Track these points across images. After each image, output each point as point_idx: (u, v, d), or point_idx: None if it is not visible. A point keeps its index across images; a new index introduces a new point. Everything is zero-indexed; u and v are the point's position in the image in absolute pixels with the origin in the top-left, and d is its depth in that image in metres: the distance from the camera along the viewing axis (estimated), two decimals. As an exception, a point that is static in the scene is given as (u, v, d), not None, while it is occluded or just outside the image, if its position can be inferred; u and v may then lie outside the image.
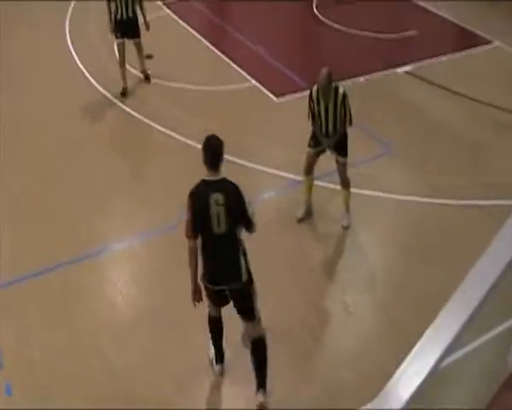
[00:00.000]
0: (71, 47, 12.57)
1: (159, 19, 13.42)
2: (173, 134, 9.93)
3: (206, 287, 5.79)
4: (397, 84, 11.79)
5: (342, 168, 8.23)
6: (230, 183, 5.53)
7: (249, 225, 5.59)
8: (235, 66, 11.98)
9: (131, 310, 7.17)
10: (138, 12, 10.74)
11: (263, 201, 8.76)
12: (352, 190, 8.41)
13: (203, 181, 5.53)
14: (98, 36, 12.77)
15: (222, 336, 6.22)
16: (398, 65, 12.27)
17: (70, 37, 13.00)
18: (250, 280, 5.72)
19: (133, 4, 10.56)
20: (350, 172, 8.29)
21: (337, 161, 8.21)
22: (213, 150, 5.49)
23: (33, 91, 11.19)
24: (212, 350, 6.37)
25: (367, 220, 8.49)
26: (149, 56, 11.86)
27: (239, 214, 5.51)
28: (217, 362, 6.35)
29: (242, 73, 11.75)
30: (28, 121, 10.32)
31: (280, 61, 12.16)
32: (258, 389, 5.90)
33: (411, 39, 13.47)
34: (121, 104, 10.70)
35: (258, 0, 14.92)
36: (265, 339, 5.89)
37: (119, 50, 10.92)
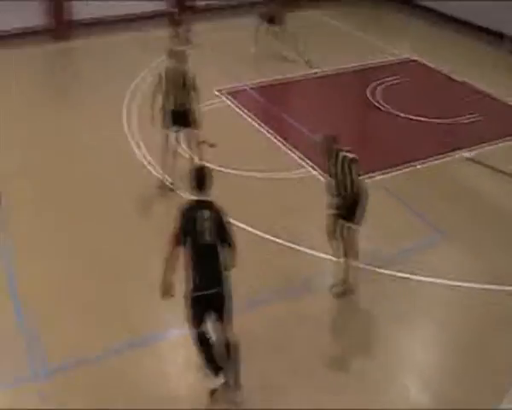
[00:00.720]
0: (127, 130, 13.09)
1: (217, 108, 13.97)
2: (233, 221, 10.14)
3: (192, 302, 6.66)
4: (454, 170, 11.90)
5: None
6: (215, 203, 6.75)
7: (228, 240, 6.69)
8: (290, 152, 12.30)
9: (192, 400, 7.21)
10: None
11: (316, 285, 8.96)
12: (406, 275, 8.45)
13: (192, 200, 6.78)
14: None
15: (212, 351, 6.90)
16: (456, 150, 12.41)
17: (127, 119, 13.54)
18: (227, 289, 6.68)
19: (188, 94, 10.81)
20: (404, 258, 8.36)
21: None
22: (200, 177, 6.78)
23: (89, 173, 11.70)
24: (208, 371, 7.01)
25: (421, 308, 8.49)
26: (212, 145, 12.19)
27: (224, 229, 6.66)
28: (216, 375, 6.99)
29: (297, 159, 12.05)
30: (82, 205, 10.74)
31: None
32: (235, 389, 6.92)
33: (471, 124, 13.62)
34: (180, 192, 11.02)
35: (314, 88, 15.40)
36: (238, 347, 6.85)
37: (168, 141, 11.15)
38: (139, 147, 12.46)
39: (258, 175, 11.52)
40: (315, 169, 11.60)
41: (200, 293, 6.60)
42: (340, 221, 8.50)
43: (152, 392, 7.21)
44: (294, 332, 8.10)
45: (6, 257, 9.40)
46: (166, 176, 11.17)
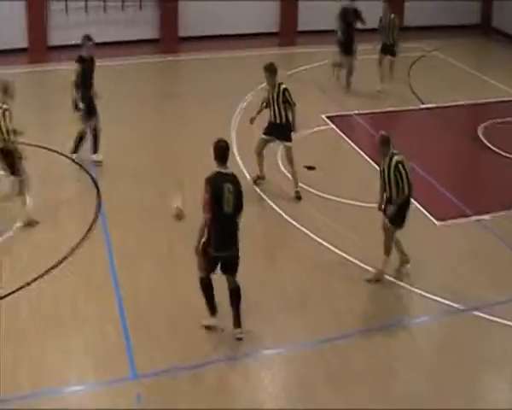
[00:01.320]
0: (235, 151, 13.39)
1: (322, 132, 14.14)
2: (329, 246, 10.36)
3: (206, 253, 8.02)
4: None
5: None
6: (236, 177, 8.07)
7: (241, 210, 8.07)
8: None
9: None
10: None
11: (415, 325, 8.99)
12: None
13: (218, 172, 7.93)
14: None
15: (213, 293, 8.32)
16: None
17: (236, 140, 13.86)
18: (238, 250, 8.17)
19: (286, 110, 11.65)
20: (509, 307, 8.30)
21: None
22: (222, 148, 7.96)
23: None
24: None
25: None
26: (311, 168, 12.52)
27: (240, 201, 7.98)
28: (212, 314, 8.44)
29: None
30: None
31: (443, 185, 12.42)
32: (238, 326, 8.35)
33: None
34: (281, 212, 11.28)
35: (423, 121, 15.45)
36: (240, 289, 8.26)
37: (259, 144, 12.04)
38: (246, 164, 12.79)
39: (358, 204, 11.63)
40: (422, 206, 11.63)
41: (217, 254, 8.04)
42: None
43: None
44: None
45: (110, 260, 9.86)
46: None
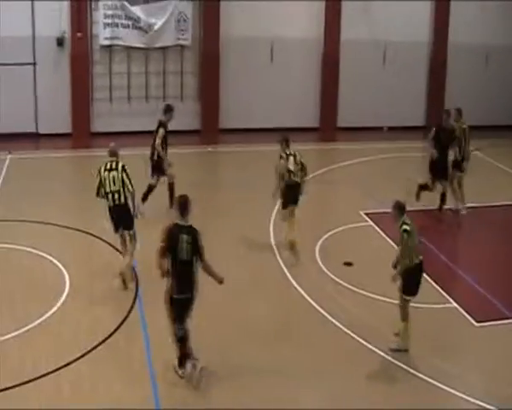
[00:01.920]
0: (274, 247, 13.69)
1: (361, 228, 14.39)
2: (366, 344, 10.45)
3: (171, 301, 9.24)
4: None
5: None
6: (193, 228, 9.16)
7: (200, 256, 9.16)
8: (434, 284, 12.42)
9: None
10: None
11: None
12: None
13: (175, 224, 9.15)
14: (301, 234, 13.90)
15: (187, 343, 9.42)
16: None
17: (274, 235, 14.20)
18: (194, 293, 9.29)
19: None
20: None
21: None
22: (182, 204, 9.28)
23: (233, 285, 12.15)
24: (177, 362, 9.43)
25: None
26: (349, 264, 12.74)
27: (196, 249, 9.09)
28: (182, 366, 9.39)
29: (442, 292, 12.19)
30: (223, 313, 11.27)
31: (482, 285, 12.49)
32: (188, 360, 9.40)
33: None
34: (320, 308, 11.41)
35: (467, 222, 15.67)
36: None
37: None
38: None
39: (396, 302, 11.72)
40: (460, 305, 11.69)
41: (180, 296, 9.16)
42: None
43: None
44: None
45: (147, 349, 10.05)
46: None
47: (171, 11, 20.69)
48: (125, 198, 11.64)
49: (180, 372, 9.42)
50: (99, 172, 11.68)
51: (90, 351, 9.89)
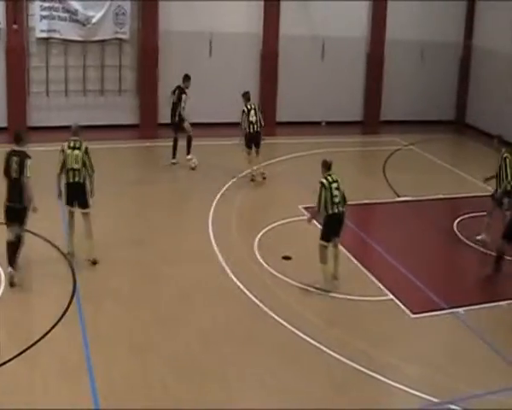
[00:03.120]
0: (213, 241, 13.66)
1: (300, 222, 14.47)
2: (305, 337, 10.48)
3: (4, 207, 11.50)
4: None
5: None
6: (24, 152, 11.48)
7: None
8: (372, 277, 12.61)
9: None
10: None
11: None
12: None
13: (11, 149, 11.51)
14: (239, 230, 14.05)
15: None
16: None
17: (213, 229, 14.14)
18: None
19: None
20: (487, 402, 8.43)
21: None
22: (16, 136, 11.63)
23: (173, 282, 12.16)
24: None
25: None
26: (287, 258, 12.83)
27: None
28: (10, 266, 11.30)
29: (380, 285, 12.34)
30: (166, 313, 11.18)
31: (418, 277, 12.72)
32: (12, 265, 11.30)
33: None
34: (260, 303, 11.41)
35: (402, 214, 15.87)
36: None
37: None
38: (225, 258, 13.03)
39: (338, 296, 11.86)
40: (397, 297, 11.89)
41: (8, 204, 11.37)
42: None
43: None
44: None
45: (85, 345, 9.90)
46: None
47: (110, 4, 20.40)
48: (84, 178, 12.23)
49: (8, 270, 11.25)
50: (62, 150, 12.21)
51: (27, 349, 9.67)
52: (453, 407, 9.18)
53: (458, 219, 15.64)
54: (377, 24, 22.97)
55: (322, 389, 9.42)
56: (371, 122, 23.07)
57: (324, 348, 10.18)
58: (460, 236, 14.79)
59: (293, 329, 10.66)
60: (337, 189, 11.72)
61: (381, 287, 12.24)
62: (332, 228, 11.94)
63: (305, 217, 14.13)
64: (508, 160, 13.83)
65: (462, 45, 24.28)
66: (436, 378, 9.78)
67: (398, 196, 16.75)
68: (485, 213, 14.54)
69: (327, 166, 11.86)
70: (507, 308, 11.90)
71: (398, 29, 22.85)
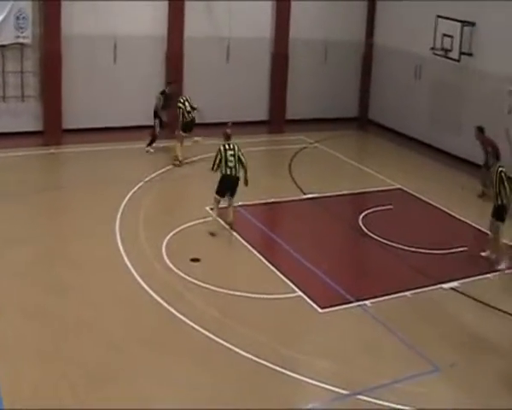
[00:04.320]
0: (120, 246, 13.40)
1: (205, 223, 14.45)
2: (215, 338, 10.41)
3: None
4: (444, 301, 12.31)
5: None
6: None
7: None
8: (281, 275, 12.64)
9: None
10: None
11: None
12: (395, 406, 8.68)
13: None
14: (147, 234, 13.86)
15: None
16: (446, 281, 12.84)
17: (120, 234, 13.89)
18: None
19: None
20: (394, 391, 8.57)
21: None
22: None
23: (81, 290, 11.87)
24: None
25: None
26: (196, 260, 12.74)
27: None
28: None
29: (288, 282, 12.38)
30: (75, 321, 10.89)
31: (325, 272, 12.85)
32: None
33: (459, 256, 14.17)
34: (166, 304, 11.26)
35: (308, 212, 16.02)
36: None
37: None
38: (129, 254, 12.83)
39: (247, 295, 11.85)
40: (305, 293, 11.96)
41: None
42: None
43: None
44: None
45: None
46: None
47: (10, 8, 19.76)
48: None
49: None
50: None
51: None
52: (361, 397, 9.31)
53: (363, 214, 15.90)
54: (281, 24, 23.06)
55: (234, 388, 9.39)
56: (277, 121, 23.12)
57: (235, 348, 10.14)
58: (365, 229, 15.04)
59: (203, 330, 10.57)
60: (232, 155, 14.21)
61: (290, 284, 12.28)
62: (225, 185, 14.33)
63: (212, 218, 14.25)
64: (503, 174, 13.60)
65: (364, 44, 24.70)
66: (345, 371, 9.92)
67: (304, 194, 16.87)
68: (389, 207, 14.87)
69: (226, 136, 14.53)
70: (411, 298, 12.18)
71: (302, 28, 23.03)
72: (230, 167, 14.15)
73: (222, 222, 14.48)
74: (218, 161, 14.12)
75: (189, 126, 19.09)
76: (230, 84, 22.43)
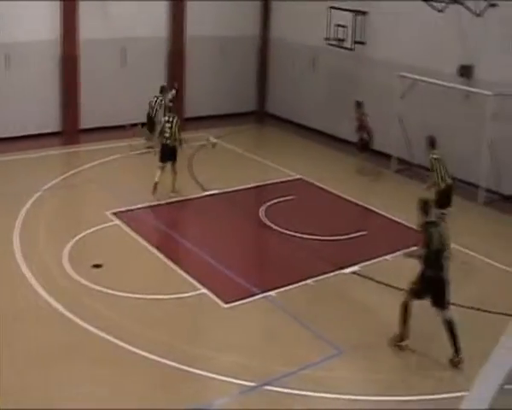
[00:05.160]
0: (20, 258, 13.07)
1: (108, 228, 14.26)
2: (121, 343, 10.30)
3: None
4: (344, 285, 12.61)
5: None
6: None
7: None
8: (184, 274, 12.61)
9: None
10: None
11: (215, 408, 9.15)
12: (301, 393, 8.82)
13: None
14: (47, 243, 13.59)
15: None
16: (346, 266, 13.13)
17: (19, 245, 13.55)
18: None
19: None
20: (301, 377, 8.73)
21: None
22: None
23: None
24: None
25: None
26: (98, 266, 12.57)
27: None
28: None
29: (192, 280, 12.36)
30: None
31: (229, 267, 12.92)
32: None
33: (358, 240, 14.55)
34: (70, 314, 11.06)
35: (209, 208, 16.09)
36: None
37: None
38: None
39: (151, 297, 11.79)
40: (209, 290, 11.99)
41: None
42: None
43: None
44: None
45: None
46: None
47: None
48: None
49: None
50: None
51: None
52: (269, 388, 9.43)
53: (265, 206, 16.07)
54: (177, 22, 22.99)
55: (140, 391, 9.32)
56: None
57: (140, 351, 10.05)
58: (267, 222, 15.19)
59: (108, 336, 10.43)
60: (170, 128, 16.08)
61: (193, 282, 12.26)
62: (164, 154, 16.26)
63: (114, 223, 14.08)
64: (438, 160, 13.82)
65: (260, 38, 24.88)
66: (252, 363, 10.00)
67: (205, 190, 16.90)
68: (290, 197, 15.04)
69: (168, 110, 17.52)
70: (313, 285, 12.41)
71: (198, 25, 23.01)
72: (166, 137, 16.13)
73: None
74: (159, 131, 16.55)
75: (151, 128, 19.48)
76: (127, 86, 22.18)
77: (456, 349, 9.96)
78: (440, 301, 9.98)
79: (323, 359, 10.19)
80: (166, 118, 16.47)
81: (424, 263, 9.97)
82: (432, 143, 13.89)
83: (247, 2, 24.23)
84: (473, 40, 17.78)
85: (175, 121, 16.23)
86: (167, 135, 16.15)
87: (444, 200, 13.60)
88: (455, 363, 9.97)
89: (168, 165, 16.32)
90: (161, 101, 19.61)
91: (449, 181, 13.78)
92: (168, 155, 16.24)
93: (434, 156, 13.79)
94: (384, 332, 10.87)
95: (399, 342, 10.47)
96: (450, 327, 10.00)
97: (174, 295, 11.83)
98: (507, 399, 4.54)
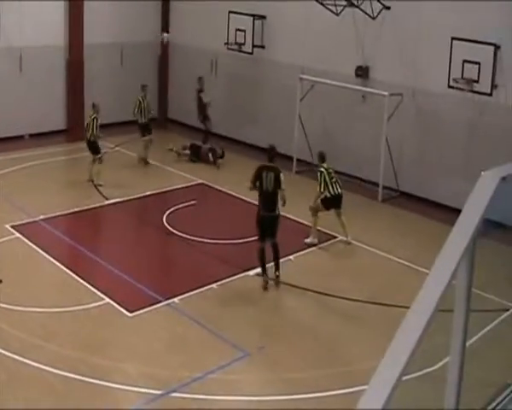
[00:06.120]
0: None
1: (7, 242, 13.88)
2: (24, 360, 10.04)
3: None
4: (249, 288, 12.71)
5: None
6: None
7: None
8: (87, 285, 12.40)
9: None
10: None
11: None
12: (208, 397, 8.86)
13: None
14: None
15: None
16: (250, 268, 13.20)
17: None
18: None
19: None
20: (207, 382, 8.76)
21: None
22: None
23: None
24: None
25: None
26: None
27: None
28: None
29: (95, 291, 12.18)
30: None
31: (132, 276, 12.80)
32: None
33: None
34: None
35: (111, 216, 15.85)
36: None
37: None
38: None
39: (53, 310, 11.58)
40: (113, 300, 11.86)
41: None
42: None
43: None
44: None
45: None
46: None
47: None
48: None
49: None
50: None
51: None
52: (175, 395, 9.42)
53: (167, 212, 15.98)
54: (74, 30, 22.54)
55: (46, 405, 9.09)
56: (75, 129, 22.40)
57: (44, 367, 9.84)
58: (170, 228, 15.13)
59: (10, 354, 10.14)
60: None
61: (97, 293, 12.09)
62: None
63: (14, 236, 13.69)
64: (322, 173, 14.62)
65: (160, 43, 24.72)
66: (157, 371, 9.97)
67: (107, 199, 16.67)
68: (192, 202, 15.00)
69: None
70: (217, 289, 12.47)
71: (97, 33, 22.67)
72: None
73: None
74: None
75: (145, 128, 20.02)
76: (25, 95, 21.63)
77: (277, 266, 12.66)
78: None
79: (230, 362, 10.26)
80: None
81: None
82: (321, 158, 14.81)
83: (145, 6, 24.04)
84: (369, 42, 18.27)
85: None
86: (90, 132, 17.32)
87: (329, 205, 14.73)
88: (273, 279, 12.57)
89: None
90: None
91: (337, 191, 14.66)
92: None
93: (321, 169, 14.63)
94: (288, 334, 11.04)
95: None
96: (276, 249, 12.54)
97: (77, 307, 11.62)
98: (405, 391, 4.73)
